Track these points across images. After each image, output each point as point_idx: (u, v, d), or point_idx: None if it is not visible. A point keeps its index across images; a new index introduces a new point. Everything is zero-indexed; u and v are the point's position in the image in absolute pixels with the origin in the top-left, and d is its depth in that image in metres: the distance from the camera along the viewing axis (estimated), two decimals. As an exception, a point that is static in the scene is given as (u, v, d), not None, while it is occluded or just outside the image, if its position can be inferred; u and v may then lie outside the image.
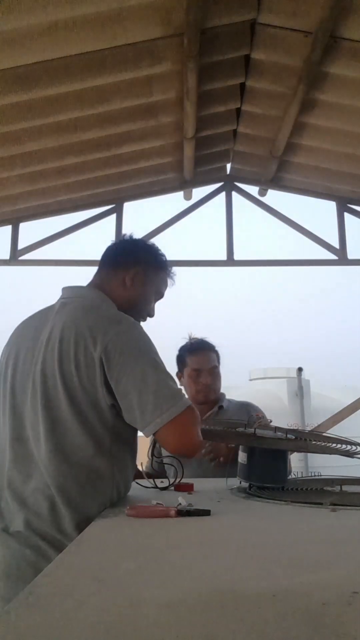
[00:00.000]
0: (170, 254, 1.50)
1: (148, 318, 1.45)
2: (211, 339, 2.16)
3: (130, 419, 1.16)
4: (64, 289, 1.37)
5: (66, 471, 1.13)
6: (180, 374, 2.11)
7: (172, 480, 1.41)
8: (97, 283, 1.39)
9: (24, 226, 4.14)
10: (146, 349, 1.19)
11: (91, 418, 1.16)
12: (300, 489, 1.38)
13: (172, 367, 2.04)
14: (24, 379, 1.24)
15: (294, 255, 4.34)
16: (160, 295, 1.47)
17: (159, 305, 1.49)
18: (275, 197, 4.34)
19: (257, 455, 1.39)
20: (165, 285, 1.48)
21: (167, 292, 1.49)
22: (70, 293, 1.35)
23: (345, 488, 1.38)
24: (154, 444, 1.76)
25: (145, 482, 1.45)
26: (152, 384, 1.13)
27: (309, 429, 4.34)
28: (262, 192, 4.30)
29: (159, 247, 1.48)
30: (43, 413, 1.16)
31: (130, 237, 1.49)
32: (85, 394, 1.15)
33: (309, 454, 4.60)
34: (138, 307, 1.40)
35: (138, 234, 1.53)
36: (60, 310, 1.28)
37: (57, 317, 1.26)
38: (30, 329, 1.33)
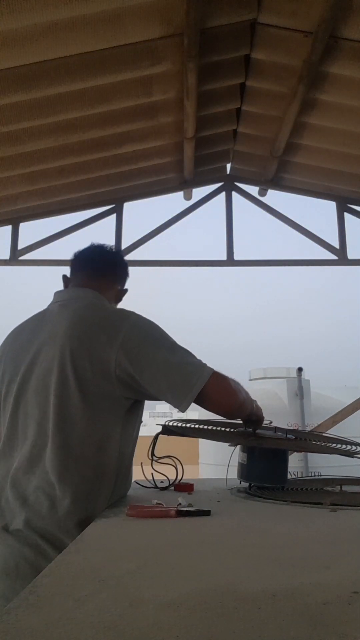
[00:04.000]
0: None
1: None
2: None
3: (164, 399, 1.23)
4: (57, 293, 1.40)
5: (72, 466, 1.15)
6: None
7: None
8: (90, 284, 1.41)
9: (24, 226, 4.14)
10: (159, 335, 1.26)
11: (102, 411, 1.20)
12: (300, 489, 1.38)
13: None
14: (27, 379, 1.24)
15: (294, 255, 4.34)
16: None
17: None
18: (275, 197, 4.36)
19: (257, 455, 1.39)
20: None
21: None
22: (66, 295, 1.38)
23: (345, 488, 1.38)
24: (154, 443, 1.76)
25: (145, 482, 1.45)
26: (175, 364, 1.20)
27: (309, 429, 4.34)
28: (262, 192, 4.30)
29: None
30: (54, 409, 1.18)
31: (117, 250, 1.55)
32: (98, 386, 1.19)
33: (309, 454, 4.60)
34: None
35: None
36: (61, 311, 1.30)
37: (59, 317, 1.28)
38: (26, 333, 1.35)
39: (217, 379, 1.22)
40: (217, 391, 1.22)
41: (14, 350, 1.33)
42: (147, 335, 1.24)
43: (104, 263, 1.47)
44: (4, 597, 1.07)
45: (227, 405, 1.27)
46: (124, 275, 1.51)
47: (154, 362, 1.19)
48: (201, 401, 1.22)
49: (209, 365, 1.24)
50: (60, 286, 1.46)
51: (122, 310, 1.32)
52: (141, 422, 1.38)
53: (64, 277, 1.47)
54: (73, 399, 1.17)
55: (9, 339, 1.39)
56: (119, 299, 1.50)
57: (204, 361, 1.25)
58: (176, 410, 1.21)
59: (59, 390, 1.18)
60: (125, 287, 1.52)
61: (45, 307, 1.41)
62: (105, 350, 1.19)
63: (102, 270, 1.45)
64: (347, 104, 2.98)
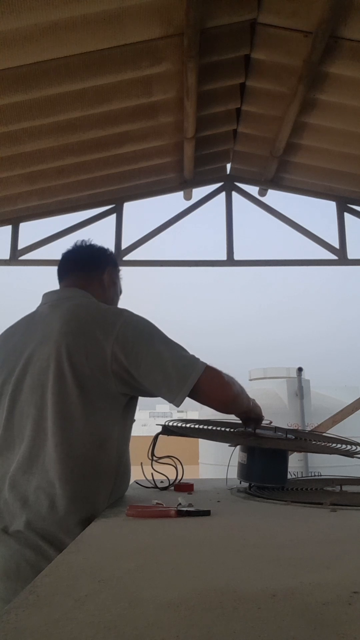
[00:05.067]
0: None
1: None
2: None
3: (159, 394, 1.23)
4: (46, 295, 1.41)
5: (72, 464, 1.15)
6: None
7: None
8: (76, 284, 1.42)
9: (24, 226, 4.14)
10: (153, 331, 1.27)
11: (101, 408, 1.20)
12: (300, 489, 1.38)
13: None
14: (21, 379, 1.24)
15: (294, 255, 4.34)
16: (121, 292, 1.57)
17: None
18: (275, 197, 4.36)
19: (257, 455, 1.39)
20: (120, 283, 1.58)
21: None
22: (55, 296, 1.39)
23: (345, 488, 1.38)
24: (154, 443, 1.76)
25: (145, 482, 1.45)
26: (169, 358, 1.21)
27: (309, 429, 4.34)
28: (262, 192, 4.30)
29: None
30: (52, 407, 1.17)
31: (89, 241, 1.53)
32: (95, 382, 1.19)
33: (309, 454, 4.60)
34: (114, 305, 1.49)
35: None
36: (53, 311, 1.31)
37: (51, 317, 1.28)
38: (18, 335, 1.35)
39: (211, 372, 1.23)
40: (211, 384, 1.23)
41: (6, 352, 1.32)
42: (142, 331, 1.25)
43: (76, 261, 1.48)
44: (5, 599, 1.06)
45: (221, 398, 1.28)
46: (100, 261, 1.48)
47: (149, 357, 1.20)
48: (195, 394, 1.22)
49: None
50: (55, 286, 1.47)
51: (115, 308, 1.33)
52: (134, 420, 1.38)
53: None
54: (71, 396, 1.17)
55: None
56: (108, 285, 1.47)
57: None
58: (176, 410, 1.21)
59: (57, 387, 1.18)
60: (112, 270, 1.49)
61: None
62: (101, 346, 1.19)
63: (77, 266, 1.46)
64: (347, 104, 2.98)
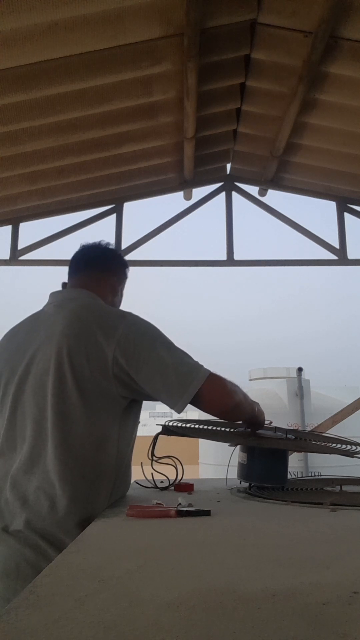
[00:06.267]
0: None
1: None
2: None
3: (159, 399, 1.22)
4: (52, 294, 1.40)
5: (72, 464, 1.15)
6: None
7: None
8: (84, 285, 1.41)
9: (24, 226, 4.14)
10: (156, 335, 1.26)
11: (100, 409, 1.20)
12: (300, 489, 1.38)
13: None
14: (24, 380, 1.24)
15: (294, 255, 4.34)
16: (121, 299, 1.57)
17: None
18: (275, 197, 4.35)
19: (257, 455, 1.39)
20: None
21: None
22: (61, 296, 1.39)
23: (345, 488, 1.39)
24: (154, 443, 1.76)
25: (145, 482, 1.45)
26: (171, 364, 1.20)
27: (309, 429, 4.34)
28: (262, 192, 4.30)
29: None
30: (52, 408, 1.17)
31: (106, 243, 1.53)
32: (95, 384, 1.19)
33: (309, 454, 4.60)
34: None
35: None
36: (57, 311, 1.30)
37: (55, 317, 1.28)
38: (21, 334, 1.35)
39: (213, 380, 1.22)
40: (213, 392, 1.22)
41: (10, 352, 1.32)
42: (144, 335, 1.24)
43: (92, 258, 1.47)
44: (5, 599, 1.06)
45: (222, 406, 1.27)
46: (116, 265, 1.49)
47: (150, 361, 1.19)
48: (197, 402, 1.21)
49: (207, 366, 1.24)
50: (58, 287, 1.46)
51: (119, 310, 1.32)
52: (139, 422, 1.38)
53: (63, 284, 1.49)
54: (71, 397, 1.18)
55: (3, 340, 1.39)
56: (116, 290, 1.48)
57: (202, 362, 1.25)
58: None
59: (57, 388, 1.18)
60: (123, 277, 1.51)
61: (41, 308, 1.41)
62: (103, 348, 1.19)
63: (90, 265, 1.45)
64: (347, 104, 2.98)
